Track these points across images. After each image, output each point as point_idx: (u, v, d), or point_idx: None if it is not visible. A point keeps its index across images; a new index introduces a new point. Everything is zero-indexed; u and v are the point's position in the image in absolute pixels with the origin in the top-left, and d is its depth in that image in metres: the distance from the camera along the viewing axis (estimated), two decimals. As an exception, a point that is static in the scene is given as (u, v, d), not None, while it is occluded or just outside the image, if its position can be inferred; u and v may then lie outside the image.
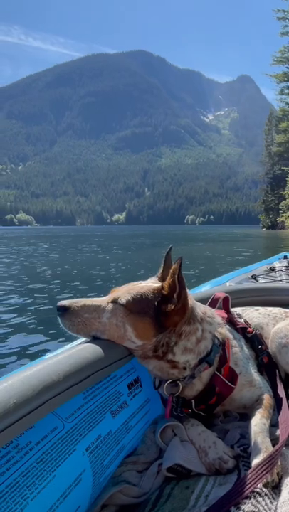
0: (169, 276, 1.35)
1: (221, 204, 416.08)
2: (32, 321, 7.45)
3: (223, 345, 1.46)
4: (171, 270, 1.33)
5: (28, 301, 9.54)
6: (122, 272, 15.36)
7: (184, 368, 1.40)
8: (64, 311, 1.35)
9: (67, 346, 1.43)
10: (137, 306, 1.33)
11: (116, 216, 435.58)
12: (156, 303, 1.34)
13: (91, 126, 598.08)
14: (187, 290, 1.37)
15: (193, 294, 1.48)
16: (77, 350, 1.22)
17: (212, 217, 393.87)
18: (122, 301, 1.34)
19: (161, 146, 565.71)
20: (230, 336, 1.53)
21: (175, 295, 1.33)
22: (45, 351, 5.03)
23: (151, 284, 1.43)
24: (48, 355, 1.39)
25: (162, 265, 1.54)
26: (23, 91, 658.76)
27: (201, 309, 1.47)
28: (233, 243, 36.37)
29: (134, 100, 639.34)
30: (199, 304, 1.51)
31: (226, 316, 1.63)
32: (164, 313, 1.33)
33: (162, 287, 1.36)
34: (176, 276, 1.31)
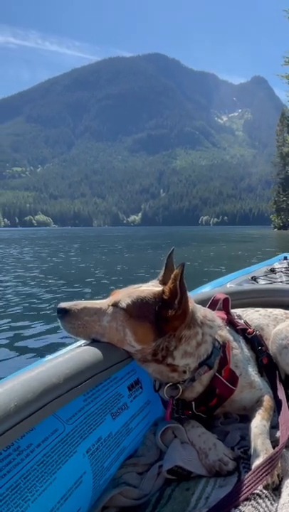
0: (170, 281, 1.32)
1: (235, 205, 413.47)
2: (32, 321, 7.33)
3: (223, 347, 1.44)
4: (172, 275, 1.31)
5: (30, 301, 9.49)
6: (132, 272, 15.11)
7: (184, 372, 1.37)
8: (64, 313, 1.33)
9: (67, 348, 1.41)
10: (137, 311, 1.31)
11: (132, 217, 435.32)
12: (156, 308, 1.32)
13: (108, 128, 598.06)
14: (188, 294, 1.35)
15: (193, 296, 1.46)
16: (77, 353, 1.21)
17: (226, 217, 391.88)
18: (123, 304, 1.32)
19: (176, 148, 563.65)
20: (231, 338, 1.51)
21: (176, 301, 1.30)
22: (46, 353, 4.71)
23: (152, 287, 1.40)
24: (48, 357, 1.36)
25: (164, 268, 1.52)
26: (41, 95, 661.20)
27: (202, 312, 1.44)
28: (242, 243, 36.23)
29: (149, 102, 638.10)
30: (199, 306, 1.48)
31: (226, 317, 1.61)
32: (164, 318, 1.31)
33: (163, 292, 1.34)
34: (178, 281, 1.28)
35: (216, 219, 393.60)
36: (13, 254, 25.45)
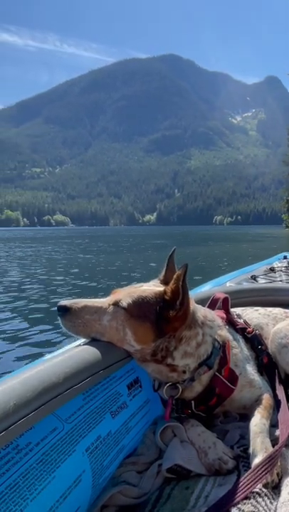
0: (172, 282, 1.29)
1: (248, 204, 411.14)
2: (33, 320, 7.32)
3: (223, 347, 1.41)
4: (175, 276, 1.27)
5: (35, 299, 9.59)
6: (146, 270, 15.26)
7: (184, 372, 1.35)
8: (65, 311, 1.30)
9: (67, 347, 1.38)
10: (138, 311, 1.28)
11: (147, 217, 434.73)
12: (157, 308, 1.29)
13: (124, 129, 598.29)
14: (190, 295, 1.32)
15: (193, 295, 1.42)
16: (77, 352, 1.19)
17: (239, 217, 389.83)
18: (124, 304, 1.29)
19: (191, 148, 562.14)
20: (230, 338, 1.48)
21: (178, 302, 1.28)
22: (45, 351, 4.89)
23: (154, 287, 1.37)
24: (48, 355, 1.35)
25: (165, 267, 1.48)
26: (60, 96, 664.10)
27: (202, 313, 1.42)
28: (252, 242, 36.57)
29: (164, 103, 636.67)
30: (200, 307, 1.45)
31: (226, 316, 1.58)
32: (165, 319, 1.28)
33: (165, 292, 1.31)
34: (181, 282, 1.26)
35: (229, 218, 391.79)
36: (48, 252, 26.67)
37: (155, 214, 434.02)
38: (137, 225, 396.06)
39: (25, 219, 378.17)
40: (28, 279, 13.02)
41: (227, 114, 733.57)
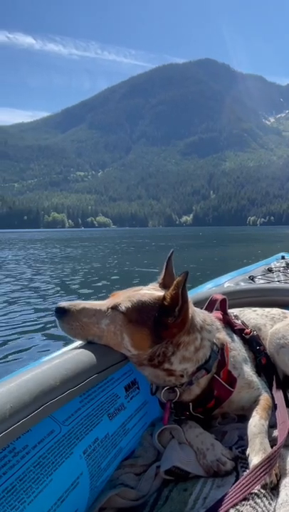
0: (172, 288, 1.22)
1: (281, 205, 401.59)
2: (33, 321, 7.11)
3: (221, 349, 1.35)
4: (175, 282, 1.21)
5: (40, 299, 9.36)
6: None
7: (181, 376, 1.29)
8: (63, 313, 1.25)
9: (64, 349, 1.32)
10: (137, 316, 1.22)
11: (184, 218, 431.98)
12: (156, 313, 1.22)
13: (162, 133, 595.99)
14: (189, 301, 1.26)
15: (190, 295, 1.36)
16: (74, 354, 1.15)
17: (272, 218, 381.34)
18: (122, 308, 1.22)
19: (226, 150, 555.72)
20: (229, 340, 1.42)
21: (177, 309, 1.21)
22: (43, 352, 4.80)
23: (153, 291, 1.31)
24: (45, 358, 1.29)
25: (163, 270, 1.42)
26: (101, 103, 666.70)
27: (201, 317, 1.35)
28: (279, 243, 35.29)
29: (200, 107, 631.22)
30: (199, 310, 1.39)
31: (223, 317, 1.51)
32: (163, 325, 1.22)
33: (164, 298, 1.24)
34: (180, 289, 1.19)
35: (262, 219, 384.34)
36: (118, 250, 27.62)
37: (191, 215, 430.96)
38: (174, 225, 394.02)
39: (70, 220, 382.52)
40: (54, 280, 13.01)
41: (261, 116, 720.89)
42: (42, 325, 6.72)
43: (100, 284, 11.85)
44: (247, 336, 1.53)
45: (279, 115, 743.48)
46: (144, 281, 1.42)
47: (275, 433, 1.25)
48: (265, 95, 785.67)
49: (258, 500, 1.01)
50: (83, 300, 1.34)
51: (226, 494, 1.01)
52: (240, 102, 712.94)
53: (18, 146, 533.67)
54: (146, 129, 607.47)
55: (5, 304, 8.73)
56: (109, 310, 1.25)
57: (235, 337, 1.48)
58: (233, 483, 1.07)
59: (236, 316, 1.63)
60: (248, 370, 1.43)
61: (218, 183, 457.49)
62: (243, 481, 1.03)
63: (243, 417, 1.40)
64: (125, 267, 17.09)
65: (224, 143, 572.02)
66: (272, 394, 1.43)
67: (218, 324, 1.43)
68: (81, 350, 1.19)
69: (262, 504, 1.00)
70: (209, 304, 1.59)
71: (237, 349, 1.44)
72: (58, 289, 10.89)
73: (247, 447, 1.20)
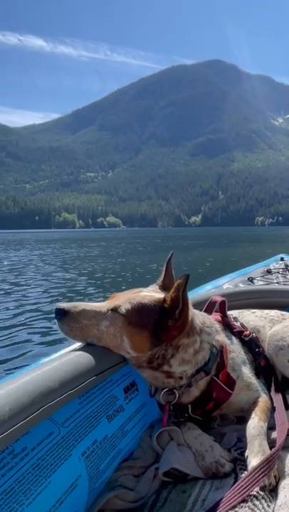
0: (172, 290, 1.21)
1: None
2: (32, 322, 6.99)
3: (220, 352, 1.34)
4: (176, 285, 1.20)
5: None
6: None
7: (180, 378, 1.28)
8: (62, 314, 1.24)
9: (63, 351, 1.32)
10: (137, 318, 1.21)
11: (193, 218, 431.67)
12: (156, 316, 1.21)
13: (171, 134, 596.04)
14: (189, 304, 1.26)
15: (190, 297, 1.34)
16: (73, 356, 1.15)
17: (280, 218, 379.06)
18: (122, 310, 1.21)
19: (234, 151, 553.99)
20: (228, 342, 1.41)
21: (177, 311, 1.21)
22: (42, 354, 4.67)
23: (153, 293, 1.30)
24: (44, 359, 1.29)
25: (163, 272, 1.41)
26: (111, 104, 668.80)
27: (200, 319, 1.34)
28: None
29: (209, 108, 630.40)
30: (198, 312, 1.38)
31: (222, 319, 1.50)
32: (163, 327, 1.21)
33: (164, 300, 1.23)
34: (181, 292, 1.19)
35: (270, 219, 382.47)
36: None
37: (200, 216, 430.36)
38: (183, 226, 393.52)
39: (80, 221, 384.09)
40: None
41: (269, 116, 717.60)
42: (42, 325, 6.69)
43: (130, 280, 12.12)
44: (246, 338, 1.52)
45: (287, 116, 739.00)
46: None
47: (274, 435, 1.24)
48: (273, 96, 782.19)
49: (257, 502, 1.00)
50: (84, 301, 1.32)
51: (224, 496, 1.00)
52: (249, 102, 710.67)
53: (30, 147, 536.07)
54: (155, 130, 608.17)
55: (5, 304, 8.73)
56: (109, 312, 1.24)
57: (234, 339, 1.47)
58: (232, 485, 1.07)
59: (235, 318, 1.62)
60: (247, 372, 1.41)
61: (227, 184, 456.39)
62: (242, 483, 1.02)
63: (242, 419, 1.39)
64: (150, 264, 17.30)
65: (232, 143, 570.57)
66: (270, 396, 1.42)
67: (218, 326, 1.42)
68: (80, 352, 1.19)
69: (260, 506, 0.99)
70: (208, 306, 1.58)
71: (236, 351, 1.43)
72: (64, 290, 10.79)
73: (246, 449, 1.19)
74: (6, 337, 6.00)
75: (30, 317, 7.36)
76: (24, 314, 7.65)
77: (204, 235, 69.07)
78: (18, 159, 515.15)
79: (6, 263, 19.39)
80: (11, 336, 6.08)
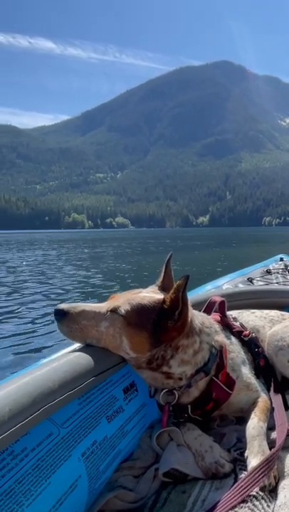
0: (172, 291, 1.21)
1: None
2: (32, 323, 6.93)
3: (220, 352, 1.33)
4: (175, 285, 1.19)
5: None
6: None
7: (180, 378, 1.27)
8: (62, 315, 1.23)
9: (63, 351, 1.31)
10: (136, 319, 1.20)
11: (200, 219, 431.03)
12: (155, 317, 1.21)
13: (179, 135, 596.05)
14: (189, 305, 1.25)
15: (189, 297, 1.33)
16: (72, 357, 1.14)
17: (288, 218, 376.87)
18: (122, 311, 1.21)
19: (242, 152, 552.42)
20: (227, 342, 1.40)
21: (177, 312, 1.20)
22: (41, 355, 4.74)
23: (153, 294, 1.29)
24: (43, 360, 1.28)
25: (162, 273, 1.40)
26: (120, 106, 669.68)
27: (200, 320, 1.33)
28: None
29: (217, 109, 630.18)
30: (197, 313, 1.37)
31: (222, 320, 1.50)
32: (162, 328, 1.21)
33: (164, 301, 1.22)
34: (180, 293, 1.18)
35: (278, 220, 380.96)
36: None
37: (208, 216, 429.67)
38: (191, 226, 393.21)
39: (89, 221, 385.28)
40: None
41: (276, 117, 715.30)
42: (42, 326, 6.64)
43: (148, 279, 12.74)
44: (245, 338, 1.51)
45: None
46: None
47: (274, 435, 1.24)
48: (280, 96, 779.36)
49: (257, 503, 1.00)
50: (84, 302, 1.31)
51: (224, 496, 1.00)
52: (256, 103, 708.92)
53: (40, 148, 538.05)
54: (164, 131, 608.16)
55: (5, 304, 8.71)
56: (109, 313, 1.23)
57: (233, 339, 1.47)
58: (232, 486, 1.06)
59: (235, 318, 1.61)
60: (247, 372, 1.41)
61: (234, 184, 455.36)
62: (242, 483, 1.01)
63: (242, 419, 1.38)
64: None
65: (240, 144, 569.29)
66: (270, 396, 1.41)
67: (217, 327, 1.41)
68: (80, 352, 1.18)
69: (260, 506, 0.99)
70: (208, 306, 1.57)
71: (235, 351, 1.42)
72: (83, 290, 10.72)
73: (245, 449, 1.19)
74: (6, 337, 6.04)
75: (30, 317, 7.37)
76: (24, 314, 7.67)
77: (212, 235, 69.33)
78: (29, 160, 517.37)
79: (24, 263, 19.51)
80: (11, 335, 6.11)
